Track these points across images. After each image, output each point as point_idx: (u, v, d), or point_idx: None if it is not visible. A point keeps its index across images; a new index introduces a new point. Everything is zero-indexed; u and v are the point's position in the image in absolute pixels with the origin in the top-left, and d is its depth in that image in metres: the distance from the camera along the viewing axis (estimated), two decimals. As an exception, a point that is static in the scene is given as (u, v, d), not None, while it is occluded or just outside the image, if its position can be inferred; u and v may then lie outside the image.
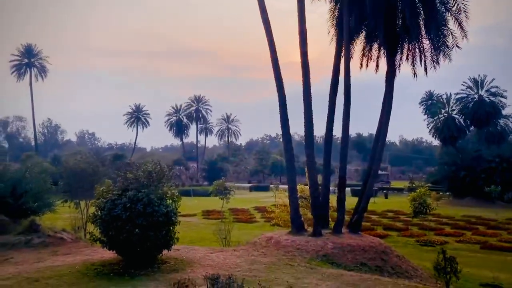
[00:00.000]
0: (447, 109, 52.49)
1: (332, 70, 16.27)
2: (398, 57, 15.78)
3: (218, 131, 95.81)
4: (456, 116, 51.60)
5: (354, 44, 16.83)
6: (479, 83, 50.78)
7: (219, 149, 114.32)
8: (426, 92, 67.72)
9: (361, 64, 16.95)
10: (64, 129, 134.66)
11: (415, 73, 16.05)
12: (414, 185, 39.12)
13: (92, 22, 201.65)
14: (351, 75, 15.37)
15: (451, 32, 14.94)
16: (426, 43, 15.68)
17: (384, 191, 56.71)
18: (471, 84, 51.28)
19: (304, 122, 14.75)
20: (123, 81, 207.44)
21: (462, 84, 51.89)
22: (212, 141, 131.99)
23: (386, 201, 49.34)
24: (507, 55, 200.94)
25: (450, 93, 54.08)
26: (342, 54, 15.84)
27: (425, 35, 15.01)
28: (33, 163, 24.85)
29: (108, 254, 12.57)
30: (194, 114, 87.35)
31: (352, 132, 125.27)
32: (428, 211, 22.35)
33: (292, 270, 11.79)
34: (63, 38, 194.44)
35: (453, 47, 14.93)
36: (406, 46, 15.66)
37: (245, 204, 41.87)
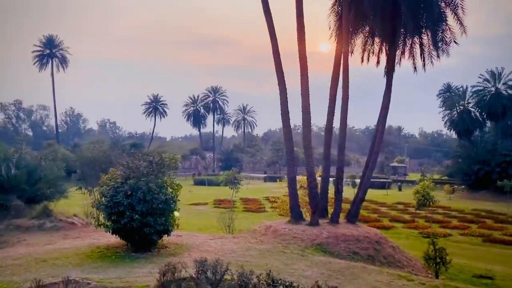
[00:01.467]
0: (463, 102, 51.84)
1: (333, 64, 16.59)
2: (398, 51, 16.00)
3: (234, 121, 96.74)
4: (472, 109, 51.00)
5: (355, 38, 17.11)
6: (497, 76, 50.01)
7: (237, 139, 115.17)
8: (444, 84, 66.69)
9: (362, 59, 17.24)
10: (86, 118, 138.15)
11: (415, 68, 16.29)
12: (426, 178, 39.04)
13: (114, 11, 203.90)
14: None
15: (449, 27, 15.11)
16: (425, 38, 15.87)
17: (398, 184, 56.62)
18: (488, 77, 50.53)
19: (302, 115, 15.20)
20: (145, 70, 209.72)
21: (479, 77, 51.17)
22: (230, 131, 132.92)
23: (399, 194, 49.34)
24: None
25: (467, 86, 53.41)
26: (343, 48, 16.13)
27: (423, 31, 15.20)
28: (49, 151, 25.99)
29: (114, 239, 13.39)
30: (211, 105, 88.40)
31: (370, 124, 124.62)
32: (431, 203, 22.55)
33: (284, 257, 12.37)
34: (86, 27, 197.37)
35: (450, 42, 15.13)
36: (404, 41, 15.89)
37: (257, 194, 42.59)
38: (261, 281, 7.97)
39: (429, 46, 15.36)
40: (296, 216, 16.14)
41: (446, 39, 15.19)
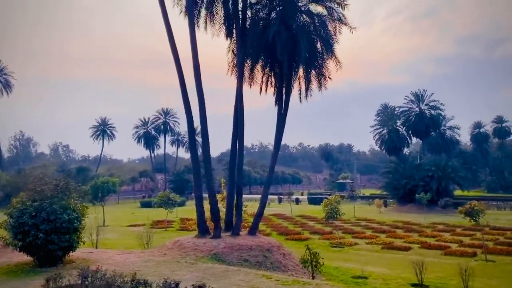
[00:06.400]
0: (391, 122, 56.08)
1: (235, 97, 18.86)
2: (284, 84, 18.52)
3: (185, 143, 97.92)
4: (399, 128, 55.27)
5: (255, 73, 19.53)
6: (420, 97, 54.70)
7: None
8: (381, 104, 71.21)
9: (260, 89, 19.68)
10: (36, 142, 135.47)
11: (300, 99, 18.91)
12: (354, 193, 42.09)
13: (69, 30, 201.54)
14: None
15: (324, 64, 17.82)
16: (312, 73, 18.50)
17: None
18: (413, 98, 55.17)
19: (202, 141, 17.29)
20: (102, 90, 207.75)
21: (404, 98, 55.80)
22: (186, 152, 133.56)
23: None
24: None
25: (394, 107, 57.82)
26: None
27: (303, 69, 17.80)
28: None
29: (27, 258, 14.76)
30: (162, 127, 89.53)
31: (322, 142, 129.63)
32: (338, 216, 25.11)
33: (175, 266, 14.19)
34: (40, 46, 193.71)
35: (325, 78, 17.83)
36: (290, 76, 18.45)
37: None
38: (125, 281, 9.86)
39: (305, 81, 17.97)
40: (202, 230, 18.05)
41: (325, 75, 17.89)
